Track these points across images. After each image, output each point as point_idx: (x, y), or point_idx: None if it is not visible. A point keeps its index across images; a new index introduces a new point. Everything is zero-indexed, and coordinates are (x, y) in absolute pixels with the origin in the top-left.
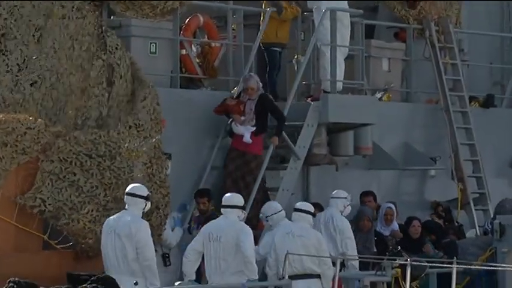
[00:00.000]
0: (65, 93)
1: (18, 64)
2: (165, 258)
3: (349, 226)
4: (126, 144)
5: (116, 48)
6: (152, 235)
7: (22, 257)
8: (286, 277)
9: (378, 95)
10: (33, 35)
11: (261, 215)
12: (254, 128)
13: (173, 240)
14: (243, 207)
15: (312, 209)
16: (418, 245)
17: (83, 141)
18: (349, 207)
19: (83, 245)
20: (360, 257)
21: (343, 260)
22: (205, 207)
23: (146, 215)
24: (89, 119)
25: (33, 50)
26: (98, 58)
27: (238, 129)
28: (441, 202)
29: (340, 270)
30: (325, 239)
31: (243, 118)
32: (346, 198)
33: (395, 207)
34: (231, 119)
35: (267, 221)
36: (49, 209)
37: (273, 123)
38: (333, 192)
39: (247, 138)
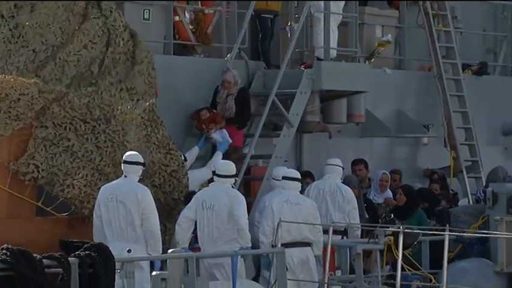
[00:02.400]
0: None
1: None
2: None
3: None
4: (120, 107)
5: (111, 11)
6: (157, 194)
7: (14, 223)
8: (279, 245)
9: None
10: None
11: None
12: (224, 130)
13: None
14: (236, 175)
15: (299, 175)
16: (407, 213)
17: (77, 105)
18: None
19: (82, 210)
20: (351, 225)
21: (345, 229)
22: None
23: (150, 176)
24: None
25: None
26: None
27: (213, 139)
28: (436, 170)
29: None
30: (332, 208)
31: (213, 131)
32: (343, 168)
33: (401, 176)
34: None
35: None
36: (42, 175)
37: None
38: (331, 160)
39: (227, 140)
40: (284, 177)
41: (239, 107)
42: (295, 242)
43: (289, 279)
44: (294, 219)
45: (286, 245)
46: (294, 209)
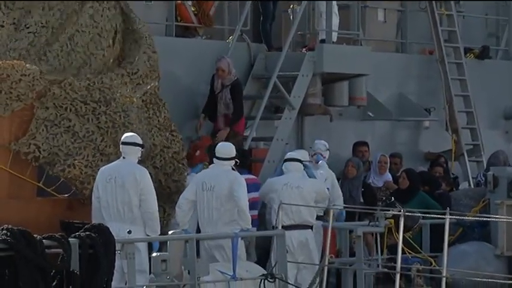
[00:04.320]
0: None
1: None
2: None
3: None
4: (120, 91)
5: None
6: (157, 175)
7: (15, 204)
8: (280, 227)
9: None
10: None
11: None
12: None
13: None
14: (235, 157)
15: (299, 156)
16: (408, 196)
17: (77, 87)
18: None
19: (83, 191)
20: (353, 208)
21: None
22: None
23: (151, 158)
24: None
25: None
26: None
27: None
28: (440, 153)
29: None
30: None
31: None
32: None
33: (401, 160)
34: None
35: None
36: (43, 155)
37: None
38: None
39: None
40: (286, 160)
41: (233, 98)
42: (295, 225)
43: (289, 262)
44: (294, 202)
45: (286, 228)
46: (295, 192)
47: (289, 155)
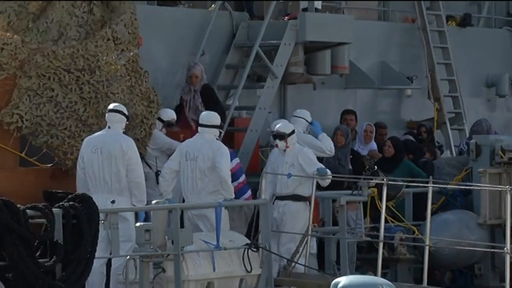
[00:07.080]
0: None
1: None
2: (157, 176)
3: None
4: (105, 57)
5: None
6: (139, 148)
7: None
8: (263, 196)
9: None
10: None
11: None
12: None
13: None
14: (220, 126)
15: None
16: (393, 165)
17: (61, 55)
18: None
19: (66, 161)
20: (336, 176)
21: None
22: None
23: (132, 128)
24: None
25: None
26: None
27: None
28: (424, 123)
29: None
30: None
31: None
32: (310, 123)
33: (386, 129)
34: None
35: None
36: (26, 125)
37: None
38: (298, 111)
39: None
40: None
41: (206, 104)
42: (290, 195)
43: (273, 231)
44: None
45: (282, 198)
46: None
47: (283, 127)
